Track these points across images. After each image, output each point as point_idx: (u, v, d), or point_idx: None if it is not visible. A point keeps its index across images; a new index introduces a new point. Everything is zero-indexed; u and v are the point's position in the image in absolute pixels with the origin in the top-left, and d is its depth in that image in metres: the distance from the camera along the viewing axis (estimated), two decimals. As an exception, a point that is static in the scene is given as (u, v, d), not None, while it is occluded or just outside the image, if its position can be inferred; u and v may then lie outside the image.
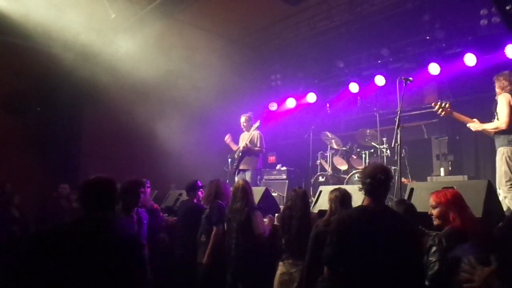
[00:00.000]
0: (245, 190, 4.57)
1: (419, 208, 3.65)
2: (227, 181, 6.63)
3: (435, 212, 2.96)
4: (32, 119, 8.57)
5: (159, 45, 7.97)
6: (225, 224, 4.66)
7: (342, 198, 3.64)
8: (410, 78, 4.84)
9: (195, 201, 5.33)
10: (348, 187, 4.01)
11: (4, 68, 8.17)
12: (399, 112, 4.70)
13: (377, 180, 2.75)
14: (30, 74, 8.33)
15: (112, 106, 8.62)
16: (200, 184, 5.45)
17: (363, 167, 7.61)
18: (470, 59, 7.27)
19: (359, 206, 2.89)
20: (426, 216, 3.13)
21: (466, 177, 6.53)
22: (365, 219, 2.71)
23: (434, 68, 7.74)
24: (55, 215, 6.85)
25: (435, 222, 2.98)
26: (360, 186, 2.86)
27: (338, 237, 2.71)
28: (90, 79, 7.80)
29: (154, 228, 4.87)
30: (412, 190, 4.11)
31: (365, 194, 2.83)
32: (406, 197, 4.07)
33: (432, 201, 3.00)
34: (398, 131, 4.64)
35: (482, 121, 4.57)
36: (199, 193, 5.43)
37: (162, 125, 8.80)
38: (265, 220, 4.82)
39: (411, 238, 2.75)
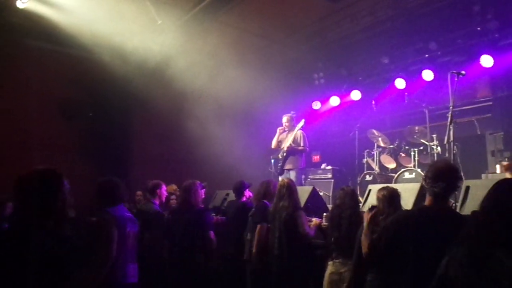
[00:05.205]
0: (290, 188, 4.57)
1: (476, 207, 3.47)
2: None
3: None
4: (85, 124, 9.00)
5: (203, 48, 8.13)
6: (269, 223, 4.67)
7: (390, 197, 3.55)
8: (463, 72, 4.65)
9: (244, 199, 5.42)
10: (397, 186, 3.92)
11: (60, 77, 8.64)
12: (451, 107, 4.53)
13: (446, 178, 2.60)
14: (83, 82, 8.77)
15: (160, 111, 8.90)
16: (246, 184, 5.52)
17: (411, 163, 7.41)
18: (526, 50, 6.90)
19: (421, 206, 2.77)
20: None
21: (525, 174, 6.18)
22: (424, 221, 2.57)
23: (486, 61, 7.37)
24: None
25: None
26: (426, 182, 2.68)
27: (388, 234, 2.64)
28: (139, 84, 8.10)
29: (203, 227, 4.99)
30: (468, 188, 3.95)
31: (429, 191, 2.66)
32: (461, 196, 3.92)
33: None
34: (451, 127, 4.47)
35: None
36: (246, 192, 5.51)
37: (206, 128, 8.96)
38: (312, 219, 4.81)
39: None
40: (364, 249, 2.87)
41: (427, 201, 2.70)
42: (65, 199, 2.23)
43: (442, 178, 2.61)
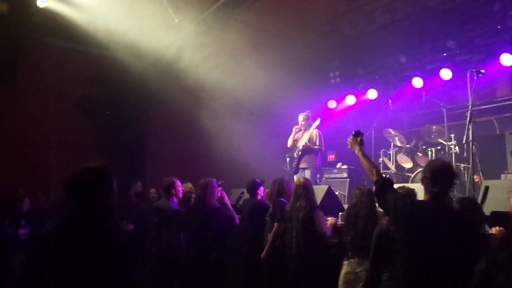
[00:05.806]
0: (306, 188, 4.57)
1: (495, 207, 3.45)
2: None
3: None
4: (102, 122, 9.12)
5: (219, 47, 8.15)
6: (286, 222, 4.67)
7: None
8: (482, 71, 4.56)
9: (258, 198, 5.42)
10: (414, 186, 3.88)
11: (77, 74, 8.77)
12: (470, 106, 4.45)
13: (445, 178, 2.63)
14: (100, 79, 8.88)
15: (176, 108, 8.96)
16: (259, 182, 5.52)
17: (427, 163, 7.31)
18: (547, 48, 6.75)
19: (420, 200, 2.80)
20: (501, 216, 2.96)
21: (545, 175, 6.06)
22: (423, 215, 2.61)
23: (506, 59, 7.27)
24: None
25: None
26: (424, 182, 2.73)
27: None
28: (155, 82, 8.17)
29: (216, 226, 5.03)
30: (487, 188, 3.89)
31: (428, 190, 2.70)
32: (480, 196, 3.86)
33: None
34: (470, 127, 4.40)
35: None
36: (260, 190, 5.51)
37: (222, 126, 8.99)
38: (328, 219, 4.79)
39: (472, 241, 2.59)
40: (373, 177, 2.94)
41: (425, 198, 2.73)
42: (114, 196, 2.29)
43: (441, 177, 2.64)
